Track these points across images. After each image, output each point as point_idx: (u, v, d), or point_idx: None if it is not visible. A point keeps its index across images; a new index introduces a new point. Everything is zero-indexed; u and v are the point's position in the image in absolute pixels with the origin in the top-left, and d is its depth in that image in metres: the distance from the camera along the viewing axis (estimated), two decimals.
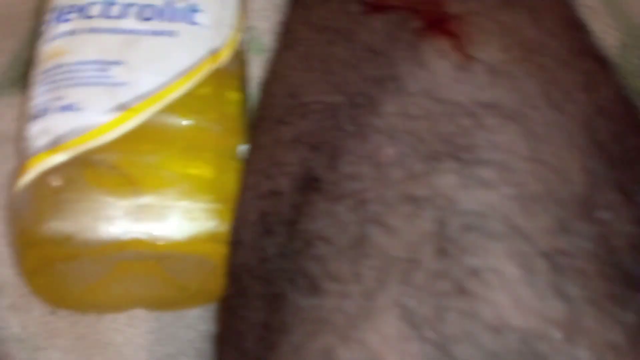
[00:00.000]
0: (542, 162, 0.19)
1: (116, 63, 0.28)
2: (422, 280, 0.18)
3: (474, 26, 0.22)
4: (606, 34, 0.38)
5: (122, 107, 0.27)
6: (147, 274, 0.28)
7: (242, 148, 0.29)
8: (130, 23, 0.29)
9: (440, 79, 0.21)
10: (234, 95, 0.30)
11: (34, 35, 0.36)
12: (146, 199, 0.26)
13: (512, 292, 0.17)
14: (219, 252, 0.26)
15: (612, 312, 0.17)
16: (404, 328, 0.17)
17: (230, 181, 0.27)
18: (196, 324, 0.30)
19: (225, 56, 0.30)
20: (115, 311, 0.31)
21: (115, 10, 0.29)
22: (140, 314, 0.31)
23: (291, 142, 0.24)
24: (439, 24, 0.22)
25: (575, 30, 0.24)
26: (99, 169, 0.26)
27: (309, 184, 0.22)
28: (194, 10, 0.30)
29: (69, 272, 0.28)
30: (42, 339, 0.31)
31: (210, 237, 0.26)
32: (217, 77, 0.30)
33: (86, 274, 0.28)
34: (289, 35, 0.29)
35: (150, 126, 0.27)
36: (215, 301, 0.29)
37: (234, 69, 0.31)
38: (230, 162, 0.28)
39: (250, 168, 0.27)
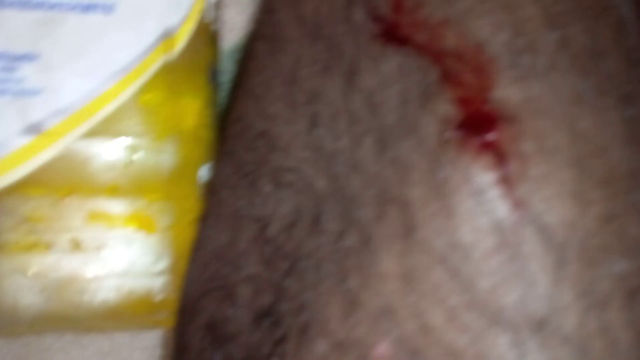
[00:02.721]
0: None
1: (28, 58, 0.20)
2: None
3: (533, 138, 0.14)
4: None
5: (34, 129, 0.20)
6: None
7: (204, 171, 0.22)
8: None
9: (468, 247, 0.14)
10: (196, 96, 0.22)
11: None
12: (67, 262, 0.20)
13: None
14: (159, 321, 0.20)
15: None
16: None
17: (183, 233, 0.21)
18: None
19: (182, 39, 0.22)
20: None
21: None
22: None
23: (256, 235, 0.17)
24: (480, 127, 0.14)
25: None
26: (4, 224, 0.19)
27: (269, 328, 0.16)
28: None
29: None
30: None
31: (147, 306, 0.20)
32: (171, 73, 0.22)
33: None
34: (271, 26, 0.21)
35: (74, 155, 0.20)
36: None
37: (197, 51, 0.23)
38: (187, 202, 0.21)
39: (201, 237, 0.20)
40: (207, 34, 0.24)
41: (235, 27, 0.27)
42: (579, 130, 0.14)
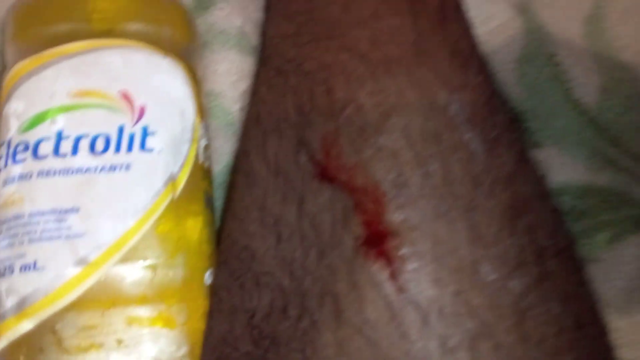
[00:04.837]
0: None
1: (72, 211, 0.28)
2: None
3: (408, 246, 0.21)
4: (586, 78, 0.36)
5: (82, 262, 0.27)
6: None
7: (208, 276, 0.29)
8: (82, 160, 0.29)
9: (374, 321, 0.21)
10: (197, 220, 0.30)
11: None
12: (115, 357, 0.27)
13: None
14: None
15: None
16: None
17: (196, 326, 0.28)
18: None
19: (183, 180, 0.30)
20: None
21: (66, 146, 0.29)
22: None
23: (246, 323, 0.25)
24: (377, 241, 0.21)
25: (523, 233, 0.23)
26: (66, 334, 0.27)
27: None
28: (146, 134, 0.30)
29: None
30: None
31: None
32: (176, 207, 0.29)
33: None
34: (246, 163, 0.28)
35: (111, 278, 0.28)
36: None
37: (194, 186, 0.30)
38: (197, 302, 0.29)
39: (209, 327, 0.27)
40: (201, 171, 0.31)
41: (223, 153, 0.35)
42: (438, 237, 0.22)
